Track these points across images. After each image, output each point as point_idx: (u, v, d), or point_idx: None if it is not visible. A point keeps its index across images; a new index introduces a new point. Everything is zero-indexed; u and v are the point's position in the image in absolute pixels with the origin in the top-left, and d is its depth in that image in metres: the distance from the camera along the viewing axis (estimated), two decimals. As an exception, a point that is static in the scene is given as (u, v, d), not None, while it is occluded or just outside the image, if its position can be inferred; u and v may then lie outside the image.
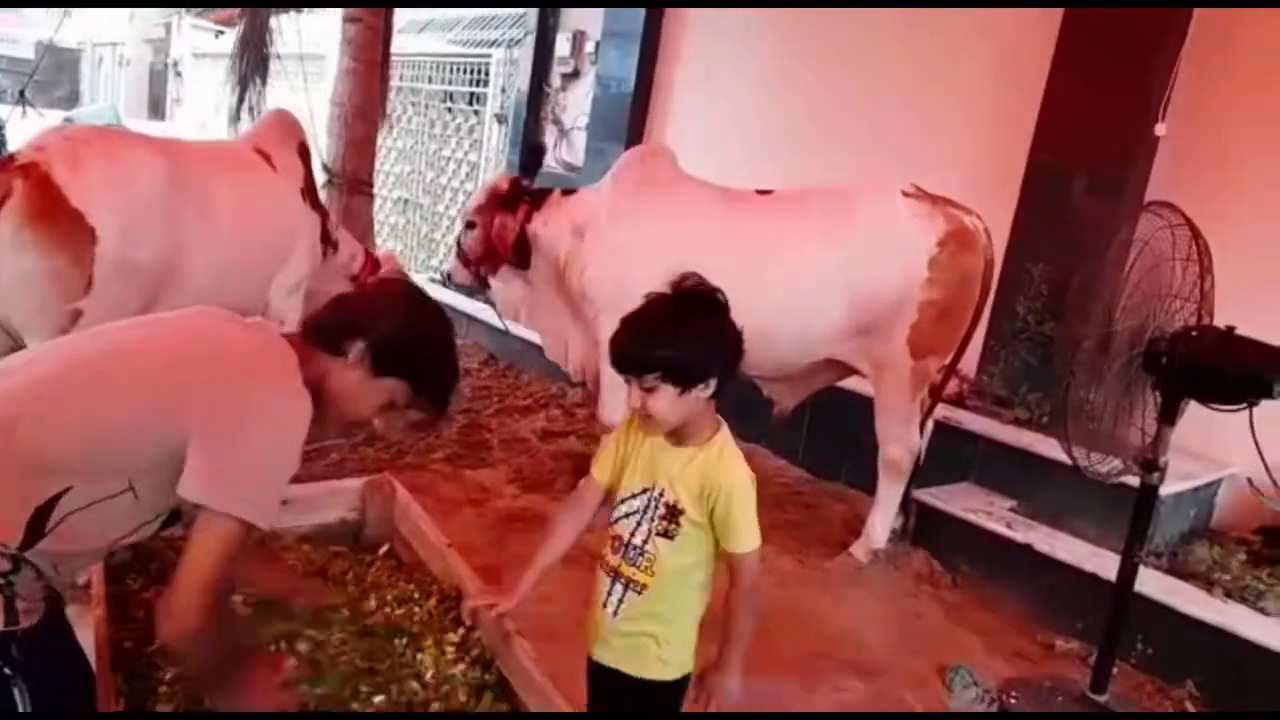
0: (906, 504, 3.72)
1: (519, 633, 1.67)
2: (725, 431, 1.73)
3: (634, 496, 1.74)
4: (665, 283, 1.87)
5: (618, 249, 3.76)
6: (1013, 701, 2.80)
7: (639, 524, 1.71)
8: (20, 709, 1.33)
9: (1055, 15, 4.17)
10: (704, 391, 1.64)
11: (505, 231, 3.96)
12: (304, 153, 3.79)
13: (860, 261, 3.40)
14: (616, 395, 3.92)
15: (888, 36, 5.03)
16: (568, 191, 4.05)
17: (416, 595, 1.86)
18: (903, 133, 4.84)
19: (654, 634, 1.72)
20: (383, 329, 1.52)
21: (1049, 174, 4.11)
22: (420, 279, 6.84)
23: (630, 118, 6.57)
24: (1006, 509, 3.66)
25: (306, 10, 7.74)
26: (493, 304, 4.51)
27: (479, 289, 4.40)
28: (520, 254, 4.00)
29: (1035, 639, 3.24)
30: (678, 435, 1.71)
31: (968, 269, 3.43)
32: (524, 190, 4.01)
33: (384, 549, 2.16)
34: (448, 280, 4.37)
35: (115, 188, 2.71)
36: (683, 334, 1.63)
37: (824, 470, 4.48)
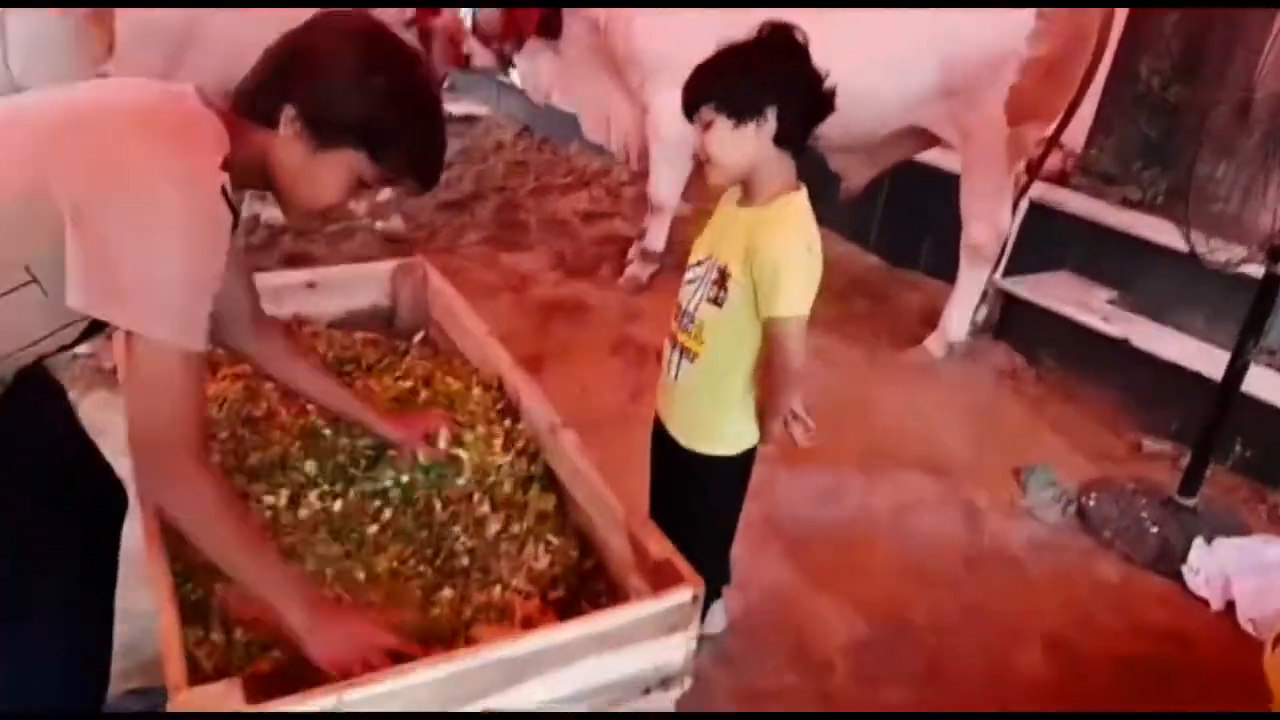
0: (989, 294, 3.67)
1: (564, 424, 1.71)
2: (799, 195, 1.71)
3: (698, 264, 1.79)
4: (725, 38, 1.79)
5: (674, 10, 3.54)
6: (1090, 503, 2.87)
7: (695, 291, 1.77)
8: None
9: None
10: (763, 125, 1.62)
11: None
12: None
13: (955, 10, 3.17)
14: (669, 169, 3.84)
15: None
16: None
17: (455, 386, 1.90)
18: None
19: (709, 404, 1.81)
20: (315, 86, 1.26)
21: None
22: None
23: None
24: (1104, 300, 3.59)
25: None
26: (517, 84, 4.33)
27: (501, 69, 4.22)
28: (549, 22, 3.80)
29: (1123, 438, 3.27)
30: (746, 193, 1.73)
31: (1083, 20, 3.18)
32: None
33: (419, 336, 2.19)
34: (466, 64, 4.16)
35: None
36: (740, 63, 1.64)
37: (899, 256, 4.41)
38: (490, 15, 3.93)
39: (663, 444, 1.93)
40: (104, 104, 1.25)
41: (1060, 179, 3.99)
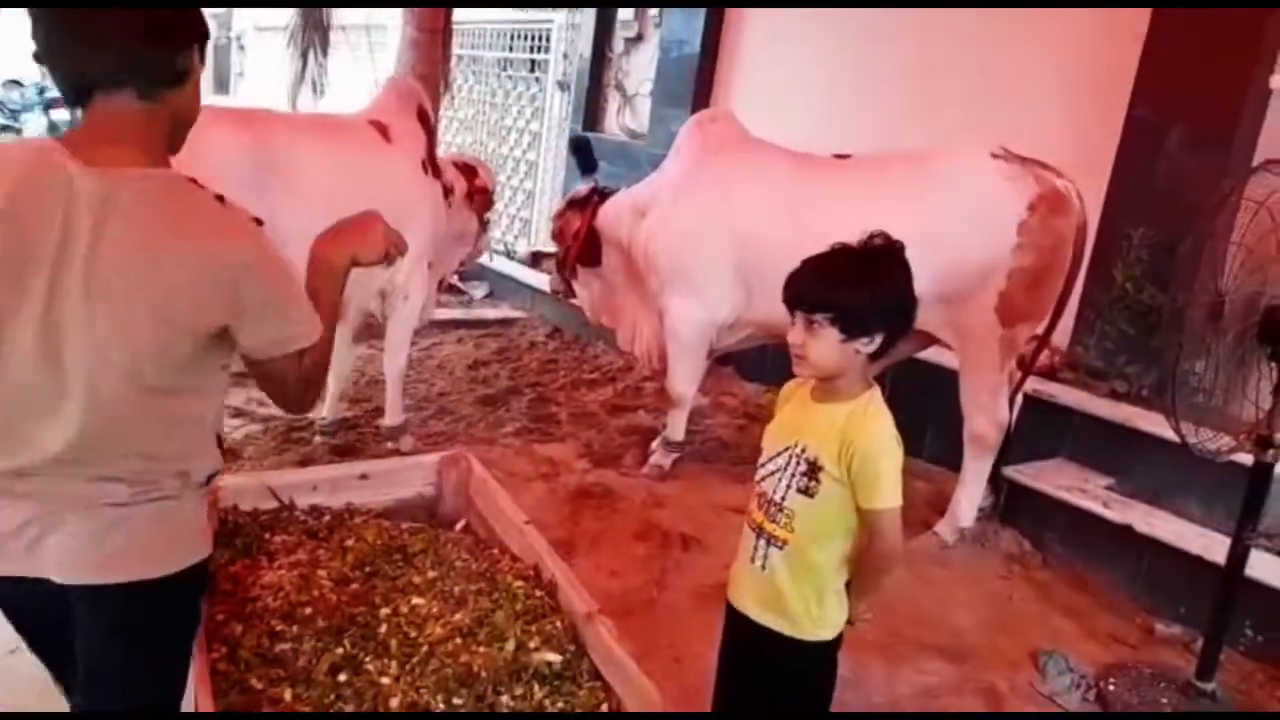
0: (994, 481, 3.64)
1: (601, 612, 1.67)
2: (875, 392, 1.73)
3: (778, 454, 1.76)
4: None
5: (682, 217, 3.76)
6: (1111, 688, 2.73)
7: (780, 480, 1.73)
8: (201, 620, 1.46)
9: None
10: (866, 345, 1.64)
11: (570, 228, 4.12)
12: (424, 119, 3.81)
13: (945, 227, 3.31)
14: (685, 366, 3.93)
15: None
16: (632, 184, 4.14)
17: (495, 576, 1.87)
18: (989, 88, 4.66)
19: (798, 591, 1.74)
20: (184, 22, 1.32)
21: (1150, 129, 3.90)
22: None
23: (695, 82, 6.47)
24: (1102, 487, 3.54)
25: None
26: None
27: (568, 294, 4.51)
28: (590, 250, 4.09)
29: (1134, 623, 3.15)
30: (826, 391, 1.73)
31: (1060, 234, 3.31)
32: (598, 192, 4.16)
33: (461, 524, 2.18)
34: (535, 265, 4.56)
35: (196, 166, 2.74)
36: (863, 280, 1.65)
37: (905, 447, 4.38)
38: (558, 248, 4.32)
39: (740, 632, 1.83)
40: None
41: (1050, 373, 4.03)
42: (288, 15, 7.41)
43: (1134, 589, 3.26)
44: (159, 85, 1.31)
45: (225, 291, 1.28)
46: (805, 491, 1.69)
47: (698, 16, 6.43)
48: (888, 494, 1.64)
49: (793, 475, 1.71)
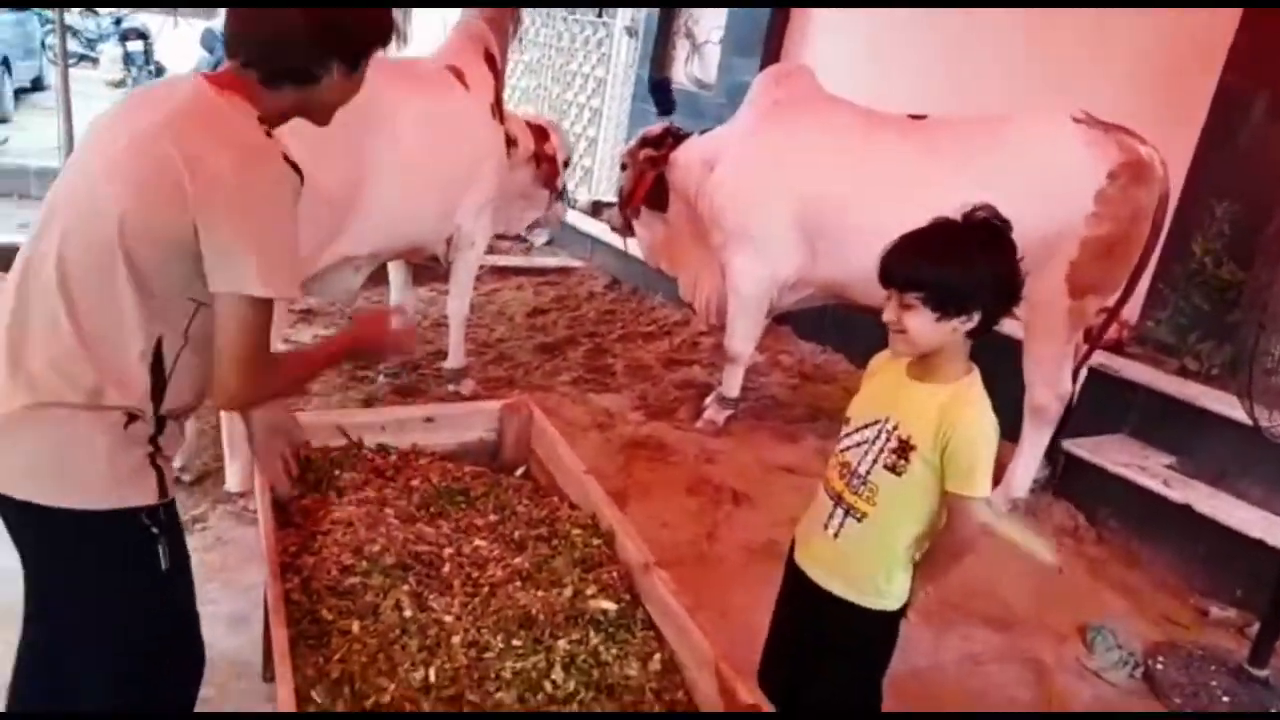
0: (1052, 454, 3.60)
1: (657, 563, 1.72)
2: (976, 375, 1.71)
3: (866, 426, 1.75)
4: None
5: (747, 174, 3.73)
6: (1159, 667, 2.72)
7: (866, 453, 1.72)
8: (163, 567, 1.46)
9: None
10: (964, 323, 1.61)
11: (642, 170, 4.07)
12: (491, 62, 3.83)
13: (1019, 194, 3.18)
14: (744, 324, 3.92)
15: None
16: (707, 130, 4.06)
17: (554, 523, 1.93)
18: (1074, 50, 4.49)
19: (869, 562, 1.75)
20: (331, 37, 1.44)
21: (1240, 99, 3.74)
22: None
23: (768, 32, 6.34)
24: (1163, 465, 3.48)
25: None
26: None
27: (627, 233, 4.48)
28: (657, 195, 4.09)
29: (1187, 604, 3.12)
30: (924, 369, 1.70)
31: (1140, 204, 3.22)
32: (672, 133, 4.13)
33: (520, 470, 2.24)
34: (596, 214, 4.54)
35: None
36: (956, 258, 1.61)
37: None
38: (621, 184, 4.29)
39: (803, 594, 1.84)
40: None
41: (1117, 348, 3.94)
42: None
43: (1189, 570, 3.22)
44: (282, 80, 1.44)
45: (192, 195, 1.31)
46: (892, 468, 1.68)
47: (772, -37, 6.28)
48: (980, 482, 1.63)
49: (881, 450, 1.69)
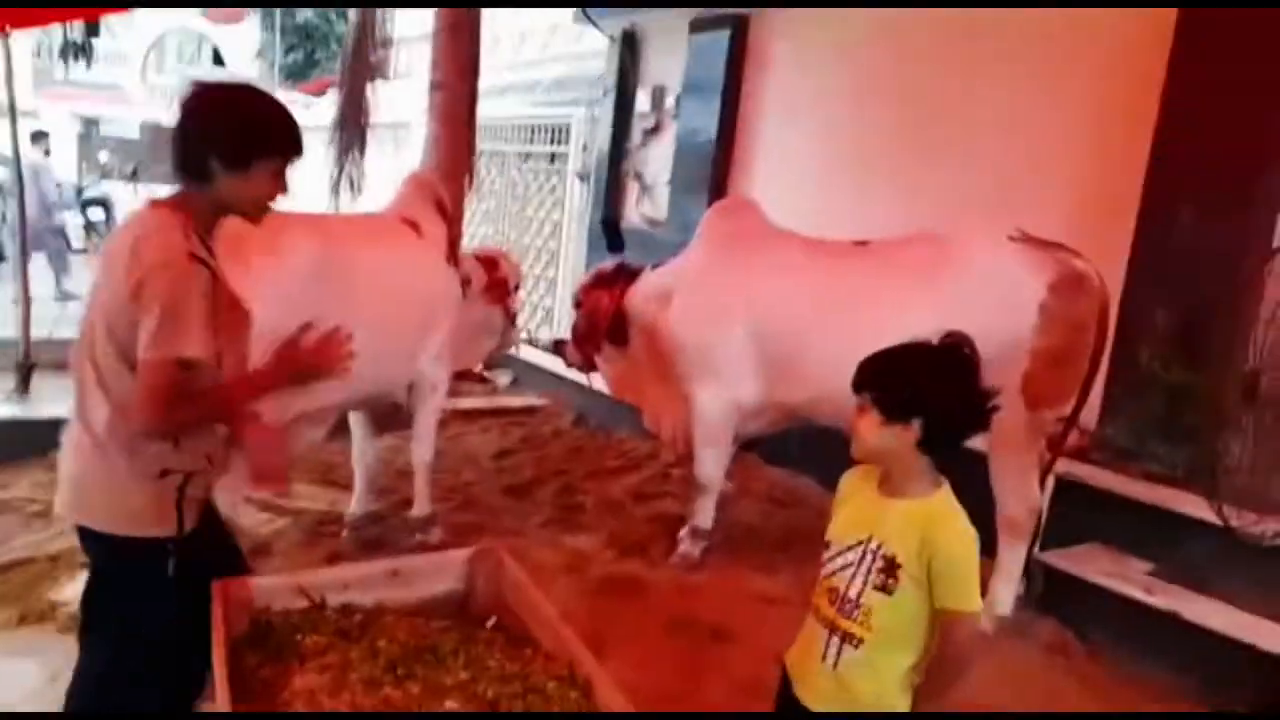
0: (1029, 568, 3.55)
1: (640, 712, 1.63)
2: (947, 489, 1.74)
3: (849, 549, 1.75)
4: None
5: (702, 305, 3.81)
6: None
7: (853, 576, 1.72)
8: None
9: (1168, 16, 3.94)
10: (907, 431, 1.66)
11: (603, 308, 4.16)
12: (443, 210, 3.92)
13: (965, 312, 3.22)
14: (711, 452, 3.91)
15: (979, 64, 4.91)
16: (659, 265, 4.16)
17: (529, 678, 1.84)
18: (1001, 166, 4.72)
19: (876, 687, 1.72)
20: (207, 138, 1.84)
21: (1166, 208, 3.92)
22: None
23: (713, 169, 6.62)
24: (1143, 572, 3.45)
25: (392, 78, 8.09)
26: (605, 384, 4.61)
27: (588, 369, 4.52)
28: (618, 330, 4.13)
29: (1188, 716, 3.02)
30: (895, 486, 1.73)
31: (1082, 314, 3.31)
32: (625, 269, 4.20)
33: (491, 621, 2.14)
34: (564, 359, 4.59)
35: (269, 273, 2.77)
36: (903, 367, 1.70)
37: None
38: (577, 321, 4.35)
39: None
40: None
41: (1080, 455, 3.97)
42: (318, 114, 7.68)
43: (1186, 680, 3.13)
44: (186, 177, 1.86)
45: (131, 293, 1.77)
46: (883, 588, 1.67)
47: (713, 106, 6.61)
48: (970, 596, 1.63)
49: (869, 571, 1.69)
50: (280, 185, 1.94)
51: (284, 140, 1.90)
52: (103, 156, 16.02)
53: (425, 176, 4.04)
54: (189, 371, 1.78)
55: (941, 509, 1.69)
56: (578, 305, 4.34)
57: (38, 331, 5.36)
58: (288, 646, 1.91)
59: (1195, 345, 3.71)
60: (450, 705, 1.73)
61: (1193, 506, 3.29)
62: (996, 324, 3.26)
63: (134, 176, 11.05)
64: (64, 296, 8.82)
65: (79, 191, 11.88)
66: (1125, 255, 4.02)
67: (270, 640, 1.93)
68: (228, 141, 1.83)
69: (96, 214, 11.22)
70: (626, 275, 4.18)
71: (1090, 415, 3.94)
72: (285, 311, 2.77)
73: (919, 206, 4.91)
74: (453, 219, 4.03)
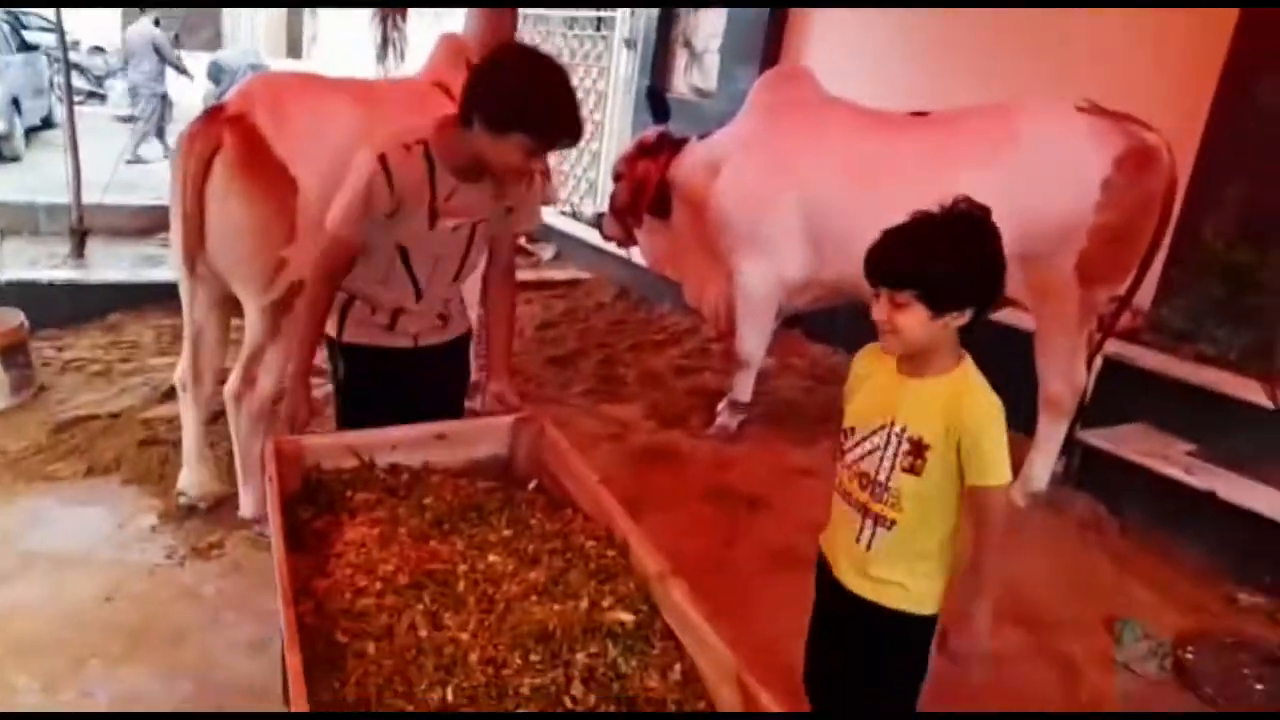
0: (1069, 446, 3.55)
1: (673, 572, 1.69)
2: (969, 362, 1.67)
3: (874, 433, 1.72)
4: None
5: (753, 178, 3.71)
6: (1190, 657, 2.67)
7: (882, 460, 1.70)
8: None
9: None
10: (956, 319, 1.59)
11: (646, 179, 4.04)
12: None
13: (1026, 185, 3.20)
14: (754, 327, 3.90)
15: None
16: (705, 136, 4.04)
17: (568, 536, 1.91)
18: (1073, 35, 4.46)
19: (912, 566, 1.73)
20: (489, 95, 1.99)
21: (1247, 76, 3.70)
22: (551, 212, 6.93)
23: (766, 38, 6.34)
24: (1184, 453, 3.43)
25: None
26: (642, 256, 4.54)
27: (627, 242, 4.45)
28: (660, 202, 4.06)
29: (1215, 592, 3.06)
30: (917, 365, 1.68)
31: (1147, 191, 3.18)
32: (668, 140, 4.08)
33: (533, 484, 2.21)
34: (601, 231, 4.51)
35: (316, 138, 2.75)
36: (946, 253, 1.57)
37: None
38: (617, 192, 4.22)
39: (838, 602, 1.82)
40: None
41: (1131, 336, 3.89)
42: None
43: (1216, 558, 3.17)
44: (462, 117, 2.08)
45: None
46: (911, 470, 1.65)
47: (768, -32, 6.28)
48: (1001, 469, 1.61)
49: (895, 454, 1.67)
50: (533, 162, 2.12)
51: (542, 124, 2.02)
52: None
53: (456, 39, 3.91)
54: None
55: (965, 385, 1.63)
56: (618, 177, 4.23)
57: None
58: (339, 502, 1.97)
59: (1264, 226, 3.56)
60: (493, 559, 1.80)
61: (1242, 390, 3.24)
62: (1057, 200, 3.18)
63: (176, 41, 10.89)
64: (136, 159, 8.92)
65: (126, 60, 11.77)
66: (1199, 130, 3.82)
67: (321, 496, 2.00)
68: (497, 108, 1.99)
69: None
70: (671, 145, 4.06)
71: (1145, 296, 3.84)
72: (331, 178, 2.79)
73: (984, 78, 4.68)
74: None
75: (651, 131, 4.16)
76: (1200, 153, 3.79)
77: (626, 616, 1.66)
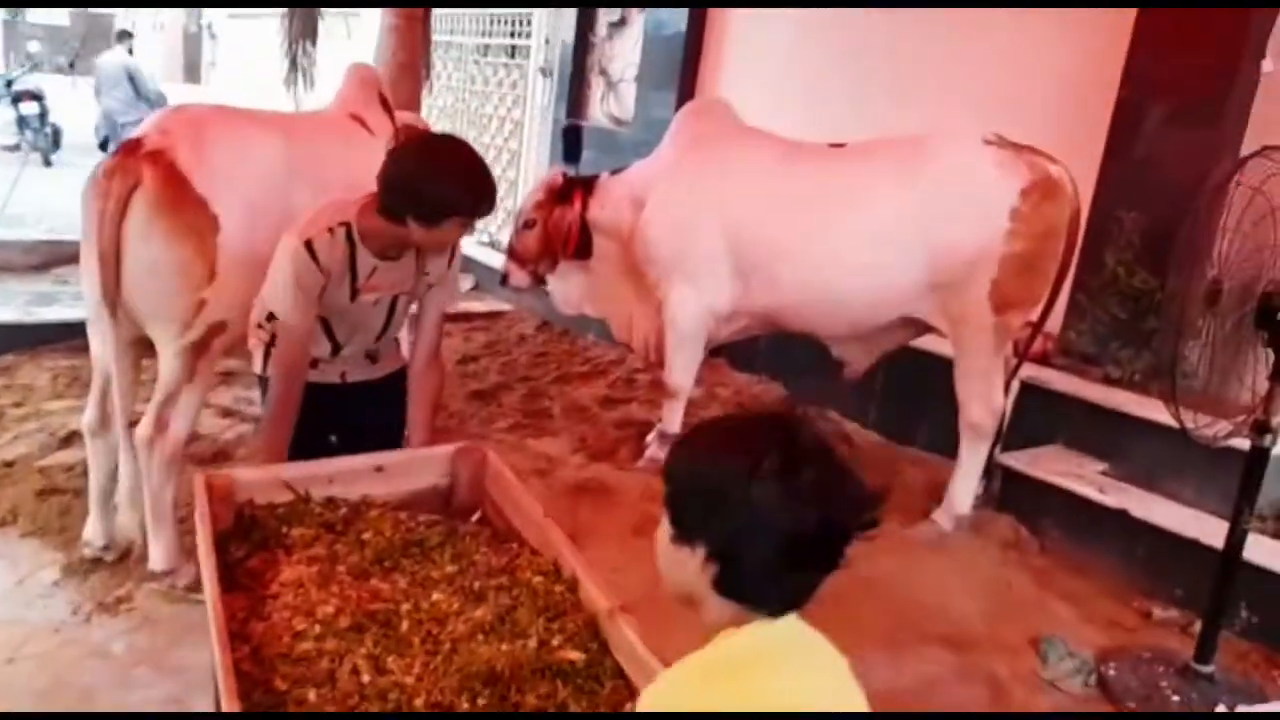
0: (990, 468, 3.70)
1: (622, 609, 1.70)
2: (730, 643, 1.09)
3: None
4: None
5: (678, 208, 3.78)
6: (1111, 672, 2.80)
7: None
8: None
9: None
10: (691, 557, 1.10)
11: (565, 223, 4.01)
12: (386, 105, 3.80)
13: (938, 215, 3.36)
14: (684, 358, 3.96)
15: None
16: (616, 171, 4.09)
17: (514, 571, 1.91)
18: (979, 73, 4.71)
19: None
20: (414, 197, 2.26)
21: (1138, 112, 3.97)
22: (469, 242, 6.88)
23: (682, 66, 6.48)
24: (1097, 472, 3.62)
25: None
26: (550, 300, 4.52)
27: (535, 287, 4.41)
28: (582, 244, 4.04)
29: (1131, 607, 3.22)
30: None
31: (1053, 220, 3.36)
32: (576, 182, 4.07)
33: (476, 515, 2.22)
34: (504, 283, 4.44)
35: (238, 173, 2.71)
36: (701, 468, 1.13)
37: (899, 434, 4.46)
38: (526, 241, 4.15)
39: None
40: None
41: (1043, 360, 4.10)
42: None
43: (1131, 573, 3.33)
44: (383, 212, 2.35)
45: None
46: None
47: (682, -2, 6.43)
48: None
49: None
50: (465, 233, 2.45)
51: (472, 205, 2.33)
52: (32, 46, 15.16)
53: (366, 69, 3.89)
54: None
55: (682, 664, 1.11)
56: (529, 225, 4.16)
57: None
58: (274, 538, 1.95)
59: (1159, 252, 3.80)
60: (437, 597, 1.80)
61: (1149, 410, 3.43)
62: (969, 228, 3.33)
63: (71, 68, 10.52)
64: None
65: (8, 84, 11.30)
66: (1097, 161, 4.07)
67: (255, 532, 1.97)
68: (426, 206, 2.26)
69: (29, 108, 10.69)
70: (582, 186, 4.06)
71: (1055, 321, 4.06)
72: (252, 213, 2.75)
73: (894, 109, 4.89)
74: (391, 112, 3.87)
75: (553, 175, 4.14)
76: (1098, 184, 4.04)
77: (576, 655, 1.67)
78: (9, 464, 3.50)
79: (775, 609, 1.10)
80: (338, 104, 3.72)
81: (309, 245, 2.26)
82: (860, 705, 1.12)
